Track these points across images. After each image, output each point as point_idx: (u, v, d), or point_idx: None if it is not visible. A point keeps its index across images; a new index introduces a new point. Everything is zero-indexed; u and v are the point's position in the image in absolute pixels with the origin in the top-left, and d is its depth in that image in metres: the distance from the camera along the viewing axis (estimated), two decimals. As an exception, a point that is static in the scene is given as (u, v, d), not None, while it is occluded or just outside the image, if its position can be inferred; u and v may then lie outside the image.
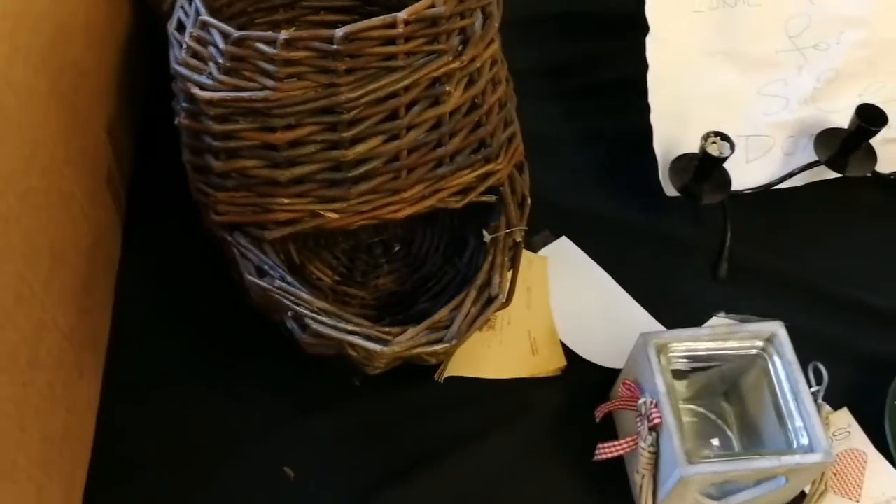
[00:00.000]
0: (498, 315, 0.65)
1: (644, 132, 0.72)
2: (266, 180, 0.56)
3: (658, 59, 0.70)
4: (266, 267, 0.56)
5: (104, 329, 0.65)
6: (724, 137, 0.67)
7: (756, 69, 0.73)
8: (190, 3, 0.57)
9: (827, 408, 0.57)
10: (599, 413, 0.59)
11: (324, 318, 0.53)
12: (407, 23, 0.52)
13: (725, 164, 0.68)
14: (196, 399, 0.62)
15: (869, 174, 0.74)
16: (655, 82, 0.71)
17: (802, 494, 0.58)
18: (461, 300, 0.55)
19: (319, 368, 0.59)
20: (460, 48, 0.55)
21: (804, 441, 0.54)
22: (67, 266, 0.57)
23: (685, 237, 0.73)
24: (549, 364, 0.65)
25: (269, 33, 0.52)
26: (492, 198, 0.61)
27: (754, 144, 0.74)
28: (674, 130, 0.72)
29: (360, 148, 0.54)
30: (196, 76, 0.55)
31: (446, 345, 0.53)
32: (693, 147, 0.68)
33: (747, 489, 0.55)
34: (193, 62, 0.55)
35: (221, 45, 0.53)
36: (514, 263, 0.60)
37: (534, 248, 0.71)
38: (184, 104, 0.57)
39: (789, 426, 0.55)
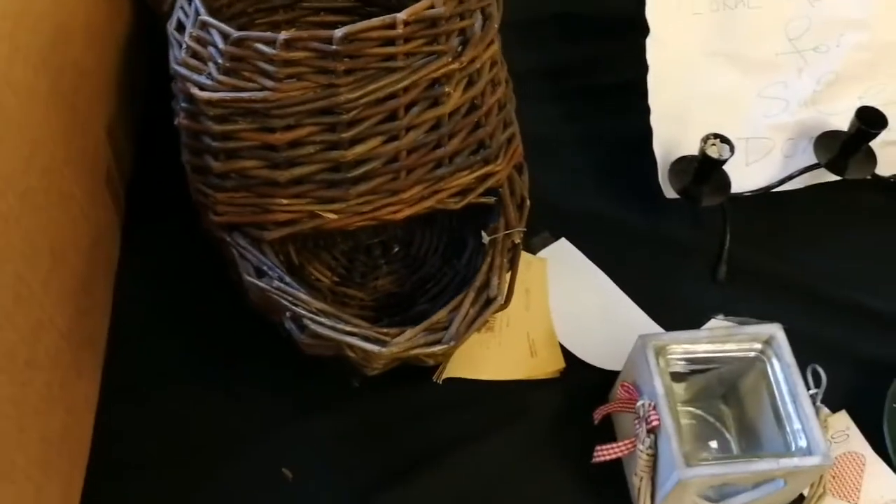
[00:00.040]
0: (497, 317, 0.65)
1: (644, 134, 0.72)
2: (265, 181, 0.56)
3: (658, 60, 0.70)
4: (265, 267, 0.56)
5: (103, 329, 0.65)
6: (724, 140, 0.67)
7: (756, 71, 0.73)
8: (190, 4, 0.57)
9: (825, 410, 0.57)
10: (598, 415, 0.59)
11: (322, 319, 0.53)
12: (406, 23, 0.52)
13: (725, 167, 0.68)
14: (196, 399, 0.62)
15: (869, 177, 0.74)
16: (655, 84, 0.71)
17: (801, 497, 0.58)
18: (460, 301, 0.55)
19: (319, 369, 0.59)
20: (460, 49, 0.55)
21: (802, 444, 0.54)
22: (66, 266, 0.57)
23: (684, 239, 0.73)
24: (547, 366, 0.65)
25: (269, 34, 0.52)
26: (491, 199, 0.61)
27: (754, 147, 0.74)
28: (674, 132, 0.72)
29: (360, 149, 0.54)
30: (195, 76, 0.55)
31: (444, 346, 0.53)
32: (693, 149, 0.68)
33: (745, 492, 0.55)
34: (193, 62, 0.55)
35: (221, 45, 0.53)
36: (513, 265, 0.60)
37: (533, 250, 0.71)
38: (183, 104, 0.57)
39: (788, 429, 0.55)
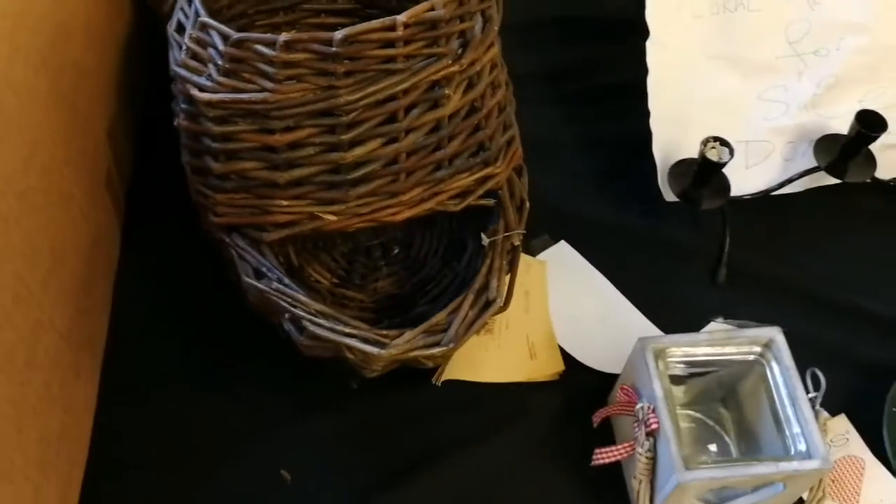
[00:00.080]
0: (496, 319, 0.65)
1: (643, 137, 0.72)
2: (265, 182, 0.56)
3: (658, 63, 0.70)
4: (264, 269, 0.56)
5: (102, 329, 0.65)
6: (724, 143, 0.67)
7: (756, 74, 0.73)
8: (190, 5, 0.57)
9: (825, 414, 0.57)
10: (597, 418, 0.59)
11: (321, 321, 0.53)
12: (406, 26, 0.52)
13: (725, 170, 0.68)
14: (196, 399, 0.62)
15: (868, 180, 0.73)
16: (655, 87, 0.71)
17: (800, 501, 0.58)
18: (459, 303, 0.55)
19: (319, 369, 0.59)
20: (460, 51, 0.55)
21: (802, 447, 0.54)
22: (66, 266, 0.57)
23: (684, 242, 0.73)
24: (547, 368, 0.65)
25: (269, 35, 0.52)
26: (490, 201, 0.61)
27: (754, 150, 0.74)
28: (673, 135, 0.72)
29: (359, 150, 0.54)
30: (195, 78, 0.55)
31: (443, 348, 0.53)
32: (693, 152, 0.68)
33: (745, 495, 0.55)
34: (193, 64, 0.55)
35: (221, 46, 0.53)
36: (513, 267, 0.60)
37: (532, 253, 0.71)
38: (183, 106, 0.57)
39: (787, 432, 0.55)
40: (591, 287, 0.70)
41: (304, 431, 0.61)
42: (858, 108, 0.69)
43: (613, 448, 0.56)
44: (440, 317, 0.55)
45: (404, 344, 0.53)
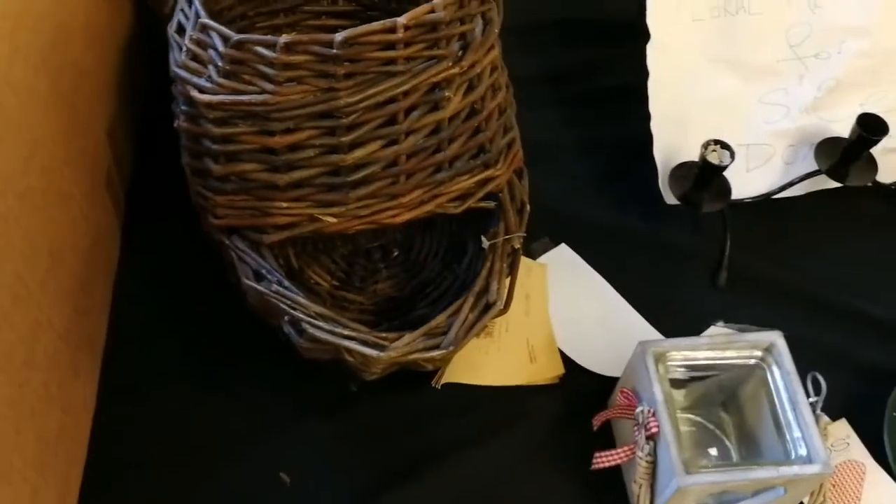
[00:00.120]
0: (496, 322, 0.64)
1: (644, 140, 0.72)
2: (265, 184, 0.56)
3: (658, 66, 0.70)
4: (263, 271, 0.56)
5: (101, 330, 0.65)
6: (725, 146, 0.67)
7: (757, 77, 0.73)
8: (190, 6, 0.57)
9: (825, 418, 0.57)
10: (597, 421, 0.59)
11: (320, 323, 0.53)
12: (407, 28, 0.51)
13: (725, 173, 0.68)
14: (196, 399, 0.62)
15: (869, 184, 0.73)
16: (656, 89, 0.71)
17: (800, 505, 0.58)
18: (459, 306, 0.55)
19: (319, 370, 0.59)
20: (460, 54, 0.55)
21: (802, 452, 0.54)
22: (65, 266, 0.57)
23: (685, 245, 0.73)
24: (547, 371, 0.65)
25: (269, 37, 0.52)
26: (491, 204, 0.61)
27: (755, 153, 0.74)
28: (674, 138, 0.72)
29: (359, 152, 0.54)
30: (195, 79, 0.55)
31: (443, 351, 0.53)
32: (693, 155, 0.68)
33: (745, 499, 0.55)
34: (193, 65, 0.55)
35: (221, 48, 0.53)
36: (513, 270, 0.59)
37: (533, 255, 0.71)
38: (183, 107, 0.57)
39: (787, 437, 0.55)
40: (592, 290, 0.69)
41: (304, 432, 0.61)
42: (859, 111, 0.69)
43: (613, 452, 0.56)
44: (440, 319, 0.54)
45: (404, 347, 0.53)
